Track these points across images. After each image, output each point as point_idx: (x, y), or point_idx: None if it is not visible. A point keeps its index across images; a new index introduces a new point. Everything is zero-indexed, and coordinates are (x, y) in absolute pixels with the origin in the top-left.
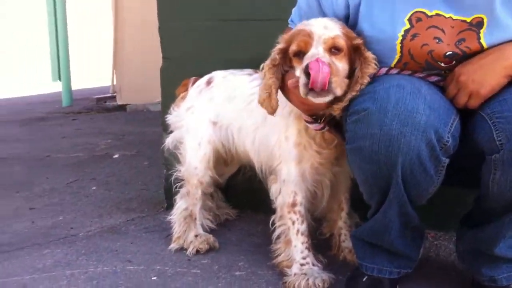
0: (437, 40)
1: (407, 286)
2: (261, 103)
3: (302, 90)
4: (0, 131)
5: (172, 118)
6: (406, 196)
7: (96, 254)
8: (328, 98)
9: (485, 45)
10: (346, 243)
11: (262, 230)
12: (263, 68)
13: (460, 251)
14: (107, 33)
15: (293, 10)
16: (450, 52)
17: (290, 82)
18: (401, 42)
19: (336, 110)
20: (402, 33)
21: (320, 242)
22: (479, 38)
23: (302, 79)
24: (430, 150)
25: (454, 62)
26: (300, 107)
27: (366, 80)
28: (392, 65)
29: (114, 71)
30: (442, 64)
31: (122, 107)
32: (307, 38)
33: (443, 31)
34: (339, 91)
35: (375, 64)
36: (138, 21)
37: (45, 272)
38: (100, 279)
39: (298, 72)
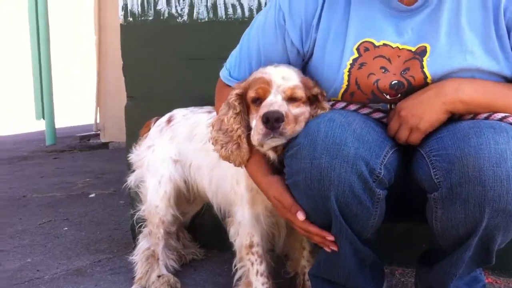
0: (383, 70)
1: None
2: (228, 157)
3: (258, 137)
4: None
5: (133, 157)
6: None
7: None
8: (281, 141)
9: (428, 74)
10: None
11: (228, 269)
12: (213, 125)
13: None
14: (91, 71)
15: (229, 62)
16: (396, 82)
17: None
18: (349, 71)
19: None
20: (351, 61)
21: (285, 281)
22: (422, 66)
23: (259, 127)
24: (363, 182)
25: (399, 95)
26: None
27: None
28: (340, 94)
29: (98, 108)
30: (388, 97)
31: (105, 145)
32: (266, 86)
33: (390, 61)
34: (289, 136)
35: None
36: (120, 61)
37: None
38: None
39: (254, 119)
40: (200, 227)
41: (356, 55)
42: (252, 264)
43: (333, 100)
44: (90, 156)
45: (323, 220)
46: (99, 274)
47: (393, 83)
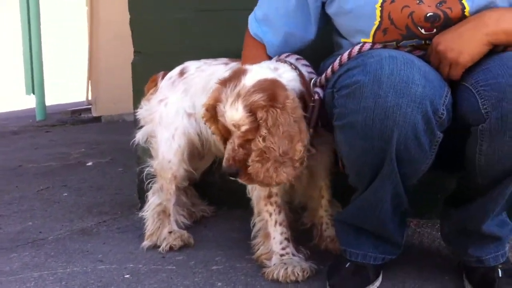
0: (418, 1)
1: (391, 272)
2: None
3: None
4: None
5: (142, 112)
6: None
7: (65, 256)
8: None
9: (466, 5)
10: (328, 232)
11: (240, 226)
12: None
13: (445, 233)
14: (82, 47)
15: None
16: (431, 14)
17: None
18: (381, 6)
19: None
20: None
21: (301, 233)
22: None
23: None
24: (426, 122)
25: (434, 30)
26: None
27: None
28: (372, 32)
29: (89, 83)
30: (423, 31)
31: (97, 119)
32: (227, 131)
33: None
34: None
35: None
36: (112, 33)
37: (11, 275)
38: (69, 280)
39: None
40: (209, 185)
41: None
42: (271, 214)
43: (363, 41)
44: (82, 129)
45: (372, 162)
46: (106, 233)
47: (428, 15)
